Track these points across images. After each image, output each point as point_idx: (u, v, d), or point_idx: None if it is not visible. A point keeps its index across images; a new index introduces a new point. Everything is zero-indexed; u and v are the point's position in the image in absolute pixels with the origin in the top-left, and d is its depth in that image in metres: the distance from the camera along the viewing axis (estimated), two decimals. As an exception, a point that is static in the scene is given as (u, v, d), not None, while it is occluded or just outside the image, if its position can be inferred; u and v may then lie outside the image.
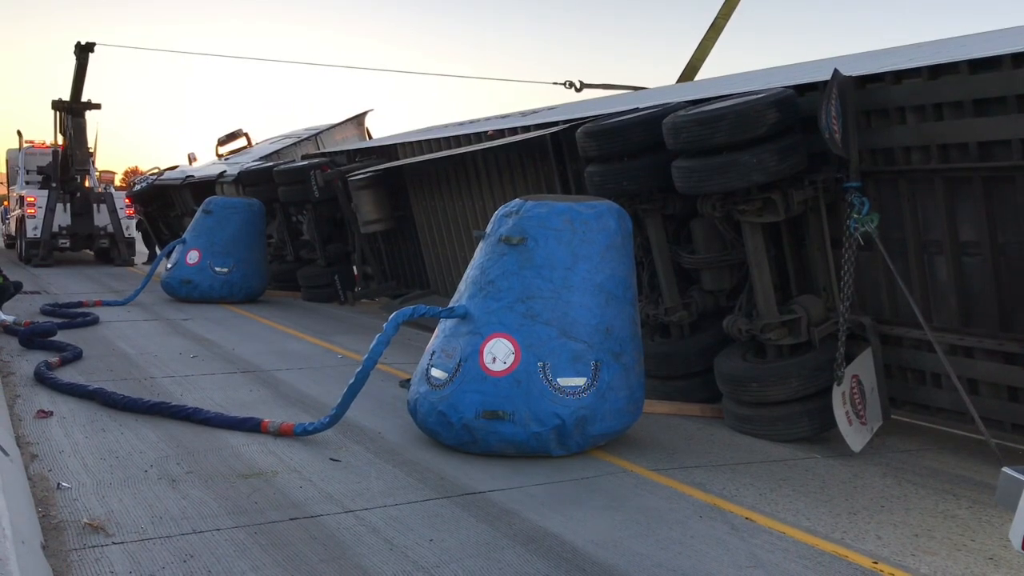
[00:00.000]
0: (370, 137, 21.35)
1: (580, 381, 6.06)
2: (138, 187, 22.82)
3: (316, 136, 20.45)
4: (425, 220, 13.49)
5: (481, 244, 6.73)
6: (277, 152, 19.68)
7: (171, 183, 20.94)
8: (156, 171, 22.83)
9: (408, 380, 7.04)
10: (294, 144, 20.17)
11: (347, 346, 10.45)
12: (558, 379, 6.01)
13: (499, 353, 6.07)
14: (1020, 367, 6.37)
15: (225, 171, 18.62)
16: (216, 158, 23.02)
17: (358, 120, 21.29)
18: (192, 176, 20.16)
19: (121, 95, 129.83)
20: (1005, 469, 3.05)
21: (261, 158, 19.22)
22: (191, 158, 24.00)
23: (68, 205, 21.81)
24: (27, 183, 23.60)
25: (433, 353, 6.48)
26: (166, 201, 22.04)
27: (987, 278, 6.45)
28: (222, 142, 23.52)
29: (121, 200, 22.68)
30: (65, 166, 21.37)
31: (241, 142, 23.32)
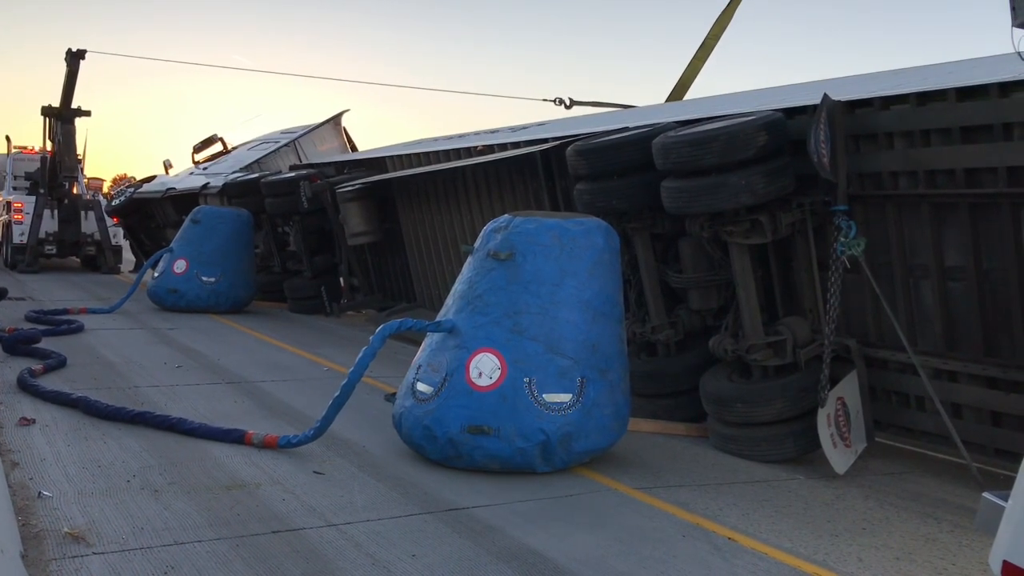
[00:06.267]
0: (349, 138, 21.23)
1: (566, 397, 6.07)
2: (116, 202, 22.57)
3: (295, 141, 20.23)
4: (413, 233, 13.50)
5: (469, 259, 6.74)
6: (258, 161, 19.50)
7: (152, 196, 20.71)
8: (133, 181, 22.60)
9: (393, 394, 7.03)
10: (274, 151, 19.99)
11: (333, 358, 10.42)
12: (544, 395, 6.01)
13: (485, 368, 6.07)
14: (1003, 392, 6.42)
15: (208, 183, 18.43)
16: (192, 165, 22.79)
17: (335, 121, 21.13)
18: (174, 188, 19.92)
19: (109, 102, 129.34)
20: (986, 494, 3.07)
21: (243, 168, 19.04)
22: (167, 166, 23.74)
23: (55, 212, 21.71)
24: (15, 189, 23.51)
25: (419, 367, 6.48)
26: (146, 212, 21.85)
27: (972, 303, 6.50)
28: (197, 149, 23.17)
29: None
30: (53, 172, 21.28)
31: (217, 147, 23.06)
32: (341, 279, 15.70)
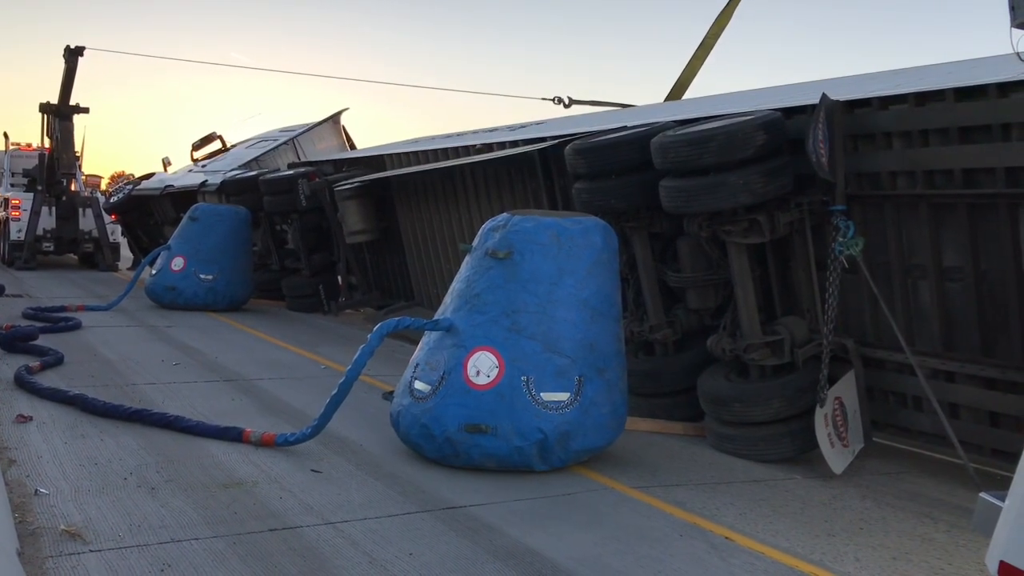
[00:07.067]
0: (348, 137, 21.23)
1: (563, 396, 6.07)
2: (115, 199, 22.55)
3: (294, 139, 20.21)
4: (411, 232, 13.49)
5: (467, 257, 6.74)
6: (256, 159, 19.48)
7: (150, 193, 20.69)
8: (131, 179, 22.58)
9: (391, 392, 7.02)
10: (273, 149, 19.96)
11: (331, 356, 10.41)
12: (541, 393, 6.01)
13: (483, 367, 6.07)
14: (1000, 392, 6.42)
15: (207, 180, 18.42)
16: (191, 163, 22.77)
17: (334, 120, 21.09)
18: (172, 186, 19.90)
19: (107, 99, 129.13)
20: (983, 494, 3.08)
21: (241, 166, 19.02)
22: (165, 163, 23.72)
23: (53, 209, 21.70)
24: (12, 185, 23.50)
25: (417, 365, 6.48)
26: (144, 210, 21.85)
27: (969, 304, 6.50)
28: (196, 146, 23.15)
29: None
30: (51, 169, 21.28)
31: (216, 145, 23.05)
32: (339, 277, 15.67)
